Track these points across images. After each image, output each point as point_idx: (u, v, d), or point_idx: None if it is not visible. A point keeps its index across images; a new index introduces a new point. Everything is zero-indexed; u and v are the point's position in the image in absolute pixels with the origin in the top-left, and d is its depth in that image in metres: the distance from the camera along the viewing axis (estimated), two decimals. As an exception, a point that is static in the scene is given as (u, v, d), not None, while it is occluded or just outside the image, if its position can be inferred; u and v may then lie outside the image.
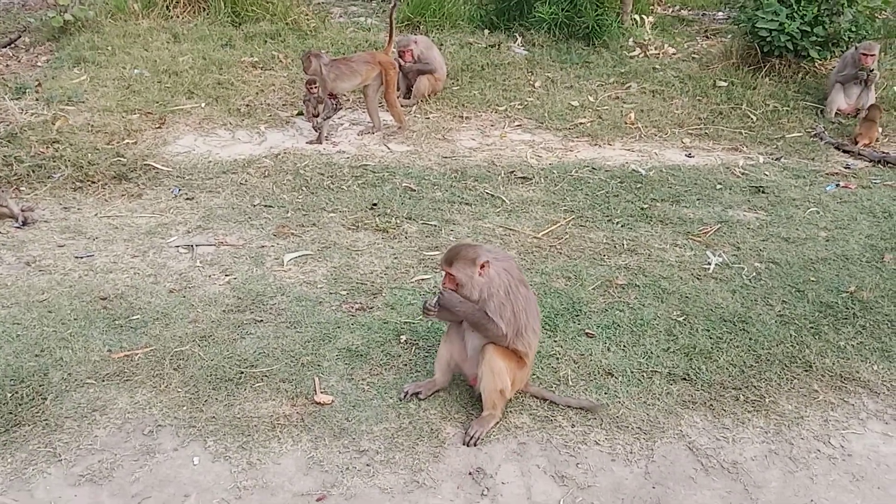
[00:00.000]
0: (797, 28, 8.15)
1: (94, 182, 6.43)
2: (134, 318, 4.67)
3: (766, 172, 6.60)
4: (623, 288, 4.97)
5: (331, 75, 7.14)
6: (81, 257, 5.37)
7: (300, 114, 7.79)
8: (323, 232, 5.68)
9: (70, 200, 6.20)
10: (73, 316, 4.67)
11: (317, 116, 7.55)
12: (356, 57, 7.47)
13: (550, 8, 9.71)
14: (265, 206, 6.09)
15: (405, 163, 6.79)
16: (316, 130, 7.22)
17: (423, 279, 5.08)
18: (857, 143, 7.08)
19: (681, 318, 4.63)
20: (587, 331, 4.51)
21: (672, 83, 8.48)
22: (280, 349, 4.36)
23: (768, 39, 8.26)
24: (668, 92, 8.30)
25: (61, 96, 7.74)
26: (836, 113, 7.73)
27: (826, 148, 7.14)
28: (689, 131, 7.50)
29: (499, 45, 9.58)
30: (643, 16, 10.96)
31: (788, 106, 7.87)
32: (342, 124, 7.71)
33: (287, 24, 9.83)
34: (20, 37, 10.86)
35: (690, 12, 12.83)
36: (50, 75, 8.57)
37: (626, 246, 5.47)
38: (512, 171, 6.62)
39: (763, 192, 6.21)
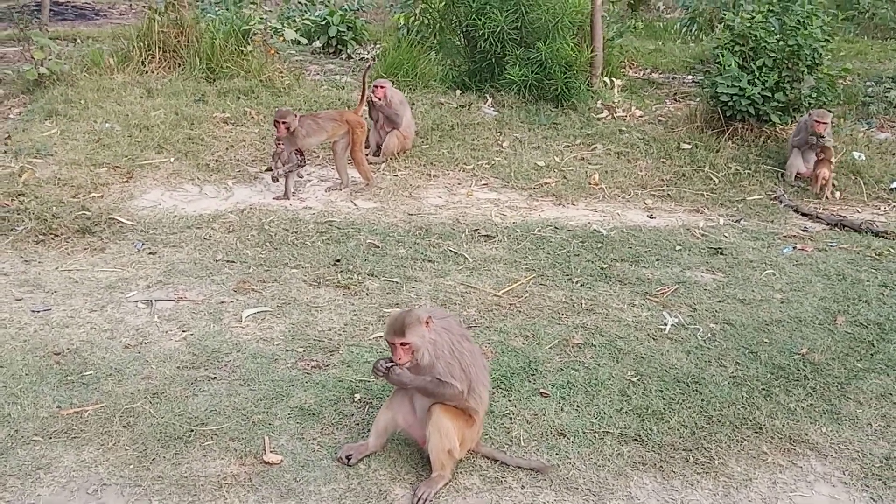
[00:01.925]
0: (758, 93, 8.35)
1: (56, 235, 6.43)
2: (87, 373, 4.63)
3: (726, 234, 6.71)
4: (580, 347, 5.01)
5: (301, 131, 7.21)
6: (38, 311, 5.34)
7: (269, 170, 7.84)
8: (284, 288, 5.69)
9: (31, 254, 6.18)
10: (25, 371, 4.63)
11: (278, 176, 7.59)
12: (324, 114, 7.57)
13: (521, 70, 9.89)
14: (227, 261, 6.10)
15: (371, 219, 6.84)
16: (279, 184, 7.27)
17: (381, 337, 5.08)
18: (816, 180, 7.28)
19: (635, 379, 4.66)
20: (542, 390, 4.53)
21: (637, 145, 8.63)
22: (232, 407, 4.34)
23: (730, 104, 8.46)
24: (632, 153, 8.45)
25: (30, 149, 7.77)
26: (796, 176, 7.89)
27: (785, 210, 7.28)
28: (652, 192, 7.62)
29: (469, 106, 9.74)
30: (613, 79, 11.19)
31: (750, 169, 8.03)
32: (310, 180, 7.78)
33: (261, 80, 9.95)
34: (-5, 89, 10.90)
35: (661, 75, 13.12)
36: (21, 128, 8.60)
37: (584, 305, 5.52)
38: (476, 230, 6.69)
39: (721, 253, 6.30)
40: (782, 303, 5.55)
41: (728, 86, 8.44)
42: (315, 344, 5.00)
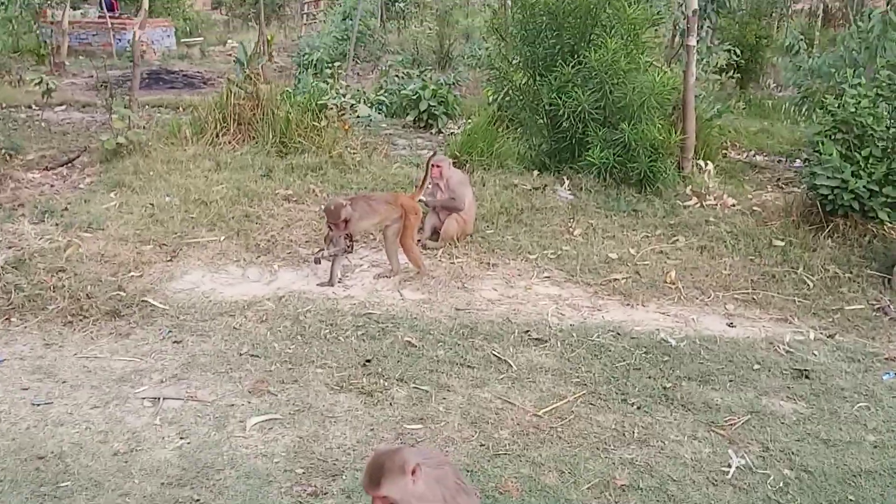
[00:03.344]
0: (864, 187, 7.44)
1: (86, 317, 6.14)
2: (63, 485, 4.21)
3: (815, 352, 5.81)
4: (623, 490, 4.25)
5: (354, 215, 6.77)
6: (38, 405, 4.99)
7: (320, 250, 7.41)
8: (302, 392, 5.17)
9: (55, 336, 5.90)
10: (1, 477, 4.22)
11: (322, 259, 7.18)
12: (378, 196, 7.14)
13: (602, 152, 9.26)
14: (252, 355, 5.64)
15: (414, 313, 6.28)
16: (324, 269, 6.83)
17: (394, 460, 4.44)
18: None
19: (683, 538, 3.86)
20: (567, 546, 3.78)
21: (724, 239, 7.82)
22: (204, 541, 3.78)
23: (830, 198, 7.57)
24: (717, 249, 7.64)
25: (82, 222, 7.60)
26: (907, 283, 6.90)
27: (890, 325, 6.31)
28: (735, 296, 6.78)
29: (544, 188, 9.16)
30: (707, 162, 10.40)
31: (851, 273, 7.09)
32: (361, 265, 7.31)
33: (331, 156, 9.64)
34: (79, 156, 11.04)
35: (766, 158, 12.26)
36: (83, 199, 8.52)
37: (637, 434, 4.76)
38: (527, 331, 6.03)
39: (807, 377, 5.42)
40: (876, 447, 4.63)
41: (828, 177, 7.56)
42: (318, 465, 4.42)
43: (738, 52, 15.16)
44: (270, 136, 10.10)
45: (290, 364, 5.52)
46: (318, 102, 10.21)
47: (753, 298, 6.74)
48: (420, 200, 7.89)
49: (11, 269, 6.69)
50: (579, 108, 9.36)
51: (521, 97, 10.41)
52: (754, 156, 12.34)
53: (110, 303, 6.29)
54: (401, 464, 3.01)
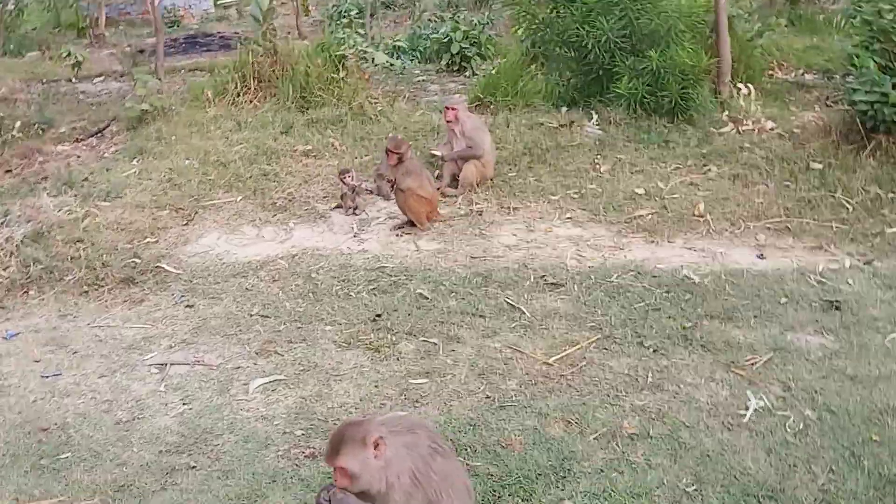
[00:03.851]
0: (906, 99, 6.94)
1: (101, 286, 6.15)
2: (62, 456, 4.22)
3: (850, 280, 5.46)
4: (632, 439, 4.05)
5: (408, 166, 6.70)
6: (48, 377, 4.99)
7: (338, 206, 7.30)
8: (309, 350, 5.07)
9: (70, 306, 5.92)
10: (4, 450, 4.25)
11: (355, 209, 7.07)
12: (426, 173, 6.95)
13: (630, 82, 8.85)
14: (262, 315, 5.56)
15: (428, 264, 6.12)
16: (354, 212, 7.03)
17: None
18: None
19: (692, 488, 3.67)
20: (567, 502, 3.61)
21: (758, 165, 7.42)
22: (195, 509, 3.72)
23: (870, 113, 7.09)
24: (751, 176, 7.26)
25: (100, 192, 7.59)
26: (956, 200, 6.44)
27: (936, 247, 5.90)
28: (768, 225, 6.43)
29: (571, 125, 8.80)
30: (749, 85, 9.89)
31: (895, 192, 6.64)
32: (378, 217, 7.14)
33: (351, 108, 9.43)
34: (108, 126, 11.05)
35: (814, 76, 11.60)
36: (105, 168, 8.52)
37: (651, 379, 4.54)
38: (543, 276, 5.81)
39: (838, 308, 5.09)
40: (908, 381, 4.32)
41: (867, 91, 7.07)
42: (318, 426, 4.33)
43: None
44: (290, 92, 9.90)
45: (300, 323, 5.42)
46: (336, 53, 9.96)
47: (787, 227, 6.39)
48: (434, 154, 7.69)
49: (31, 242, 6.70)
50: (604, 38, 8.92)
51: (545, 31, 9.99)
52: (802, 75, 11.67)
53: (125, 270, 6.28)
54: (362, 436, 2.87)
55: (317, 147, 8.57)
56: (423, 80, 13.13)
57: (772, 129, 8.58)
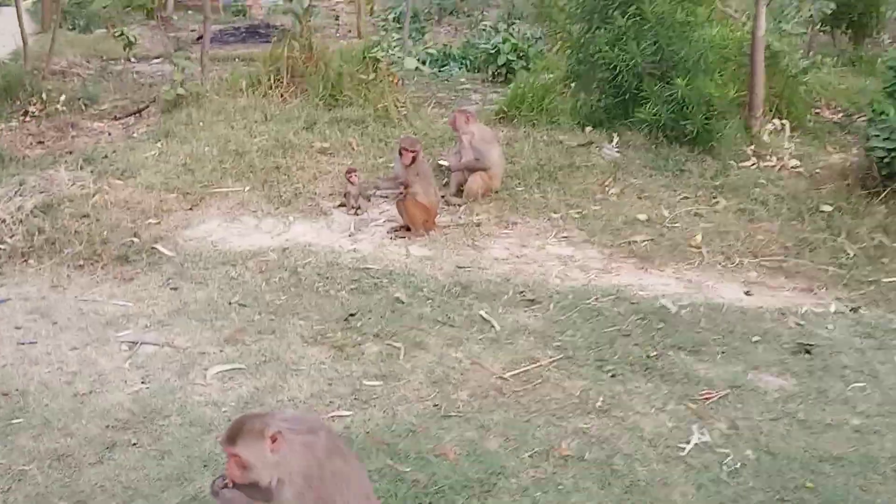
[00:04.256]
0: (925, 149, 6.77)
1: (96, 261, 6.32)
2: (15, 421, 4.36)
3: (830, 326, 5.35)
4: (565, 461, 4.04)
5: (420, 167, 6.80)
6: (23, 343, 5.15)
7: (342, 205, 7.39)
8: (276, 343, 5.15)
9: (63, 278, 6.09)
10: (-37, 410, 4.39)
11: (357, 208, 7.16)
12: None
13: (654, 108, 8.79)
14: (241, 304, 5.66)
15: (413, 269, 6.16)
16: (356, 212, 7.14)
17: (340, 416, 4.38)
18: None
19: (610, 515, 3.63)
20: (483, 518, 3.62)
21: (768, 202, 7.31)
22: (123, 484, 3.83)
23: (886, 161, 6.93)
24: (758, 212, 7.15)
25: (116, 170, 7.80)
26: (961, 256, 6.26)
27: (929, 301, 5.74)
28: (763, 262, 6.34)
29: (589, 145, 8.76)
30: (783, 120, 9.74)
31: (900, 242, 6.49)
32: (378, 220, 7.21)
33: (376, 110, 9.53)
34: (148, 107, 11.35)
35: (861, 118, 11.32)
36: (129, 147, 8.77)
37: (600, 404, 4.51)
38: (522, 292, 5.81)
39: (808, 352, 4.99)
40: (857, 432, 4.22)
41: (885, 138, 6.92)
42: (264, 415, 4.37)
43: (833, 6, 13.90)
44: (320, 89, 10.05)
45: (274, 315, 5.51)
46: (369, 55, 10.08)
47: (782, 266, 6.28)
48: (440, 164, 7.75)
49: (40, 212, 6.93)
50: (632, 62, 8.88)
51: (579, 50, 9.98)
52: (850, 116, 11.42)
53: (122, 248, 6.44)
54: (261, 428, 2.91)
55: (334, 145, 8.69)
56: (467, 89, 13.23)
57: (794, 167, 8.44)
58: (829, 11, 13.45)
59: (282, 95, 10.27)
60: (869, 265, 6.22)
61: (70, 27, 19.55)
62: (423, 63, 13.35)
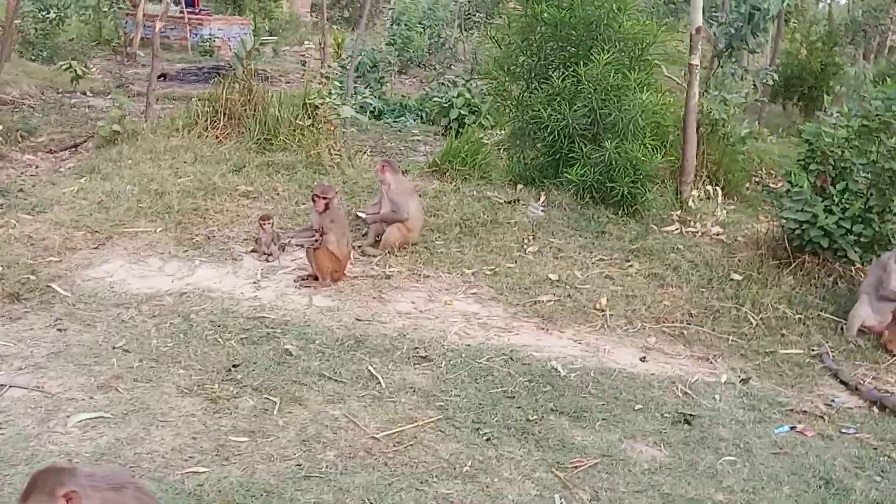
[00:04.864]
0: (834, 223, 6.82)
1: (-13, 298, 6.11)
2: None
3: (716, 396, 5.30)
4: (418, 529, 3.90)
5: (334, 214, 6.73)
6: None
7: (254, 250, 7.29)
8: (149, 392, 5.00)
9: (-51, 315, 5.88)
10: None
11: (269, 255, 7.06)
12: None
13: (582, 169, 8.83)
14: (124, 350, 5.51)
15: (311, 320, 6.06)
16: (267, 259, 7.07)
17: (195, 472, 4.23)
18: (887, 349, 5.74)
19: (447, 589, 3.50)
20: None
21: (681, 268, 7.31)
22: (-55, 537, 3.63)
23: (797, 232, 6.97)
24: (669, 277, 7.14)
25: (26, 205, 7.66)
26: (860, 330, 6.29)
27: (821, 374, 5.74)
28: (665, 328, 6.30)
29: (516, 202, 8.76)
30: (716, 187, 9.85)
31: (803, 314, 6.51)
32: (288, 267, 7.11)
33: (308, 156, 9.48)
34: (85, 141, 11.23)
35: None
36: (50, 182, 8.63)
37: (468, 468, 4.40)
38: (416, 348, 5.72)
39: (688, 422, 4.93)
40: (717, 509, 4.14)
41: (798, 210, 6.97)
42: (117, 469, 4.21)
43: (776, 77, 14.18)
44: (256, 132, 10.01)
45: (156, 362, 5.36)
46: (307, 101, 10.07)
47: (683, 333, 6.25)
48: (359, 215, 7.71)
49: (-61, 245, 6.75)
50: (563, 122, 8.95)
51: (514, 108, 10.07)
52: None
53: (16, 286, 6.28)
54: (52, 487, 2.78)
55: (258, 189, 8.62)
56: (418, 140, 13.31)
57: (717, 234, 8.49)
58: (771, 83, 13.81)
59: (217, 137, 10.21)
60: (768, 336, 6.22)
61: (31, 58, 19.43)
62: (365, 112, 13.39)
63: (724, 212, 9.20)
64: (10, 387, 4.98)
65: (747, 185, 10.99)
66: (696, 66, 9.34)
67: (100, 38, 24.26)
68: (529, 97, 9.66)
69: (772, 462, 4.57)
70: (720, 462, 4.54)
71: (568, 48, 9.42)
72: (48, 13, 21.87)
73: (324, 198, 6.68)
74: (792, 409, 5.19)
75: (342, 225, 6.77)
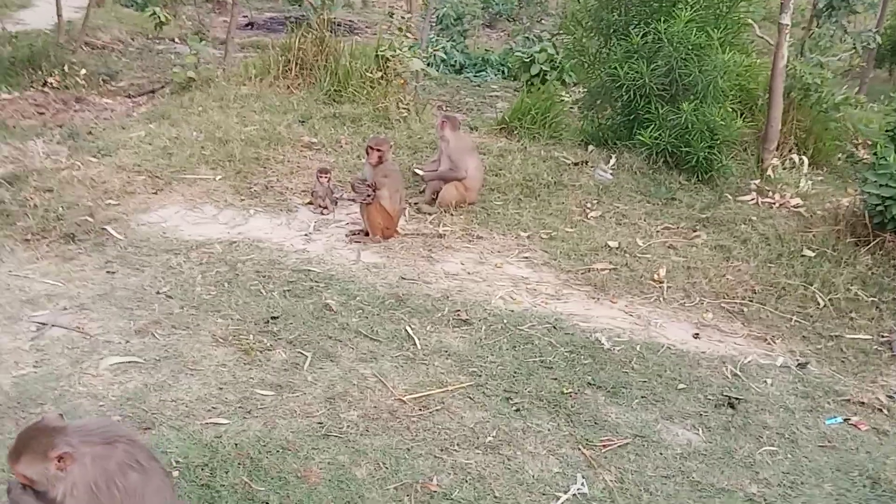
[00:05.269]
0: (923, 200, 6.31)
1: (44, 237, 6.26)
2: None
3: (768, 380, 4.98)
4: (431, 497, 3.81)
5: (388, 167, 6.61)
6: (-64, 314, 5.10)
7: (310, 203, 7.24)
8: (184, 339, 5.00)
9: (5, 252, 6.06)
10: None
11: (324, 208, 7.00)
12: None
13: (655, 132, 8.45)
14: (168, 295, 5.53)
15: (356, 276, 5.97)
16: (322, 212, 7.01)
17: (215, 423, 4.21)
18: None
19: (451, 564, 3.38)
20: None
21: (751, 240, 6.91)
22: (-37, 471, 3.69)
23: (879, 209, 6.49)
24: (737, 250, 6.76)
25: (93, 148, 7.77)
26: (940, 319, 5.81)
27: (888, 363, 5.33)
28: (724, 304, 5.97)
29: (584, 164, 8.45)
30: (802, 156, 9.32)
31: (877, 297, 6.06)
32: (341, 221, 7.03)
33: (376, 109, 9.35)
34: (163, 87, 11.40)
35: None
36: (120, 126, 8.74)
37: (491, 439, 4.25)
38: (457, 311, 5.56)
39: (733, 406, 4.64)
40: (749, 501, 3.87)
41: (881, 185, 6.47)
42: (139, 414, 4.26)
43: (878, 40, 13.28)
44: (326, 84, 9.93)
45: (196, 310, 5.37)
46: (378, 53, 9.91)
47: (743, 310, 5.90)
48: (416, 172, 7.55)
49: (5, 182, 6.93)
50: (640, 82, 8.55)
51: (591, 65, 9.69)
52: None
53: (73, 227, 6.37)
54: (45, 448, 2.78)
55: (322, 141, 8.55)
56: (496, 96, 13.04)
57: (796, 206, 8.00)
58: (874, 46, 12.93)
59: (288, 86, 10.18)
60: (836, 318, 5.81)
61: (128, 4, 19.81)
62: (444, 66, 13.14)
63: (809, 183, 8.69)
64: (53, 326, 5.04)
65: (840, 155, 10.31)
66: (787, 25, 8.75)
67: (187, -15, 24.55)
68: (607, 54, 9.27)
69: (817, 455, 4.26)
70: (760, 451, 4.26)
71: (650, 3, 8.95)
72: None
73: (377, 149, 6.54)
74: (848, 400, 4.83)
75: (396, 180, 6.63)
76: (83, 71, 11.66)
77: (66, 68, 11.50)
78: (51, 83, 11.13)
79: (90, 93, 10.90)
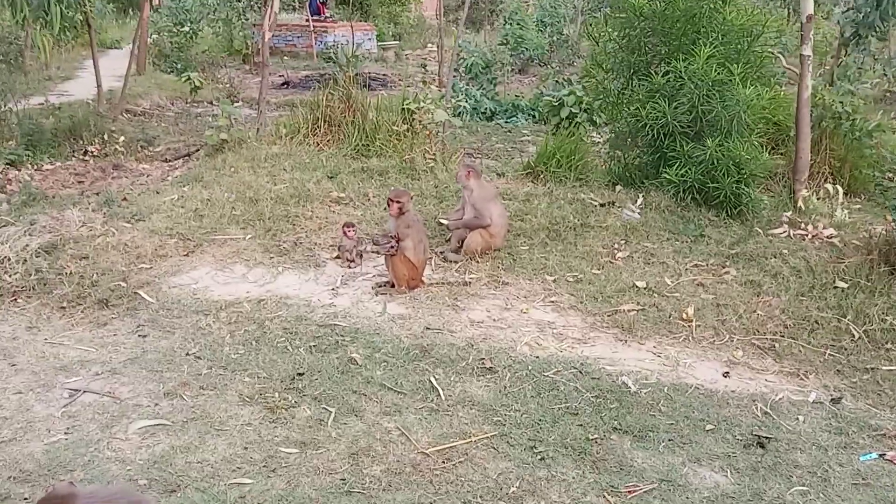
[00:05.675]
0: (957, 225, 6.18)
1: (79, 304, 6.42)
2: (-73, 464, 4.36)
3: (800, 417, 4.87)
4: (452, 551, 3.76)
5: (410, 217, 6.71)
6: (-34, 386, 5.24)
7: (338, 257, 7.33)
8: (211, 400, 5.07)
9: (42, 320, 6.21)
10: None
11: (352, 261, 7.09)
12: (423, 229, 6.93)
13: (682, 169, 8.43)
14: (196, 357, 5.63)
15: (381, 328, 6.01)
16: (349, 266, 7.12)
17: (239, 483, 4.25)
18: None
19: None
20: None
21: (781, 274, 6.82)
22: (-6, 540, 3.78)
23: (913, 235, 6.37)
24: (767, 285, 6.67)
25: (127, 214, 7.98)
26: (980, 347, 5.65)
27: (926, 395, 5.17)
28: (755, 341, 5.88)
29: (611, 205, 8.45)
30: (836, 186, 9.24)
31: (914, 327, 5.91)
32: (368, 273, 7.10)
33: (402, 161, 9.49)
34: (198, 150, 11.70)
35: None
36: (155, 191, 8.98)
37: (515, 490, 4.21)
38: (482, 359, 5.55)
39: (763, 446, 4.54)
40: (778, 545, 3.78)
41: (913, 210, 6.37)
42: (167, 476, 4.31)
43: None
44: (355, 139, 10.11)
45: (224, 370, 5.44)
46: (404, 106, 10.09)
47: (774, 346, 5.80)
48: (441, 222, 7.63)
49: (43, 252, 7.13)
50: (662, 121, 8.57)
51: (613, 107, 9.74)
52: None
53: (107, 292, 6.53)
54: None
55: (350, 195, 8.67)
56: (527, 140, 13.15)
57: (829, 237, 7.89)
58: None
59: (317, 143, 10.38)
60: (871, 350, 5.68)
61: (168, 70, 20.42)
62: (474, 114, 13.28)
63: (845, 212, 8.60)
64: (84, 392, 5.15)
65: (883, 182, 10.13)
66: (808, 56, 8.72)
67: (230, 49, 25.33)
68: (630, 94, 9.31)
69: (850, 493, 4.14)
70: (791, 492, 4.15)
71: (669, 42, 8.99)
72: (182, 27, 23.00)
73: (397, 201, 6.62)
74: (884, 434, 4.70)
75: (419, 230, 6.69)
76: (122, 138, 12.00)
77: (105, 136, 11.85)
78: (91, 152, 11.47)
79: (128, 159, 11.20)
